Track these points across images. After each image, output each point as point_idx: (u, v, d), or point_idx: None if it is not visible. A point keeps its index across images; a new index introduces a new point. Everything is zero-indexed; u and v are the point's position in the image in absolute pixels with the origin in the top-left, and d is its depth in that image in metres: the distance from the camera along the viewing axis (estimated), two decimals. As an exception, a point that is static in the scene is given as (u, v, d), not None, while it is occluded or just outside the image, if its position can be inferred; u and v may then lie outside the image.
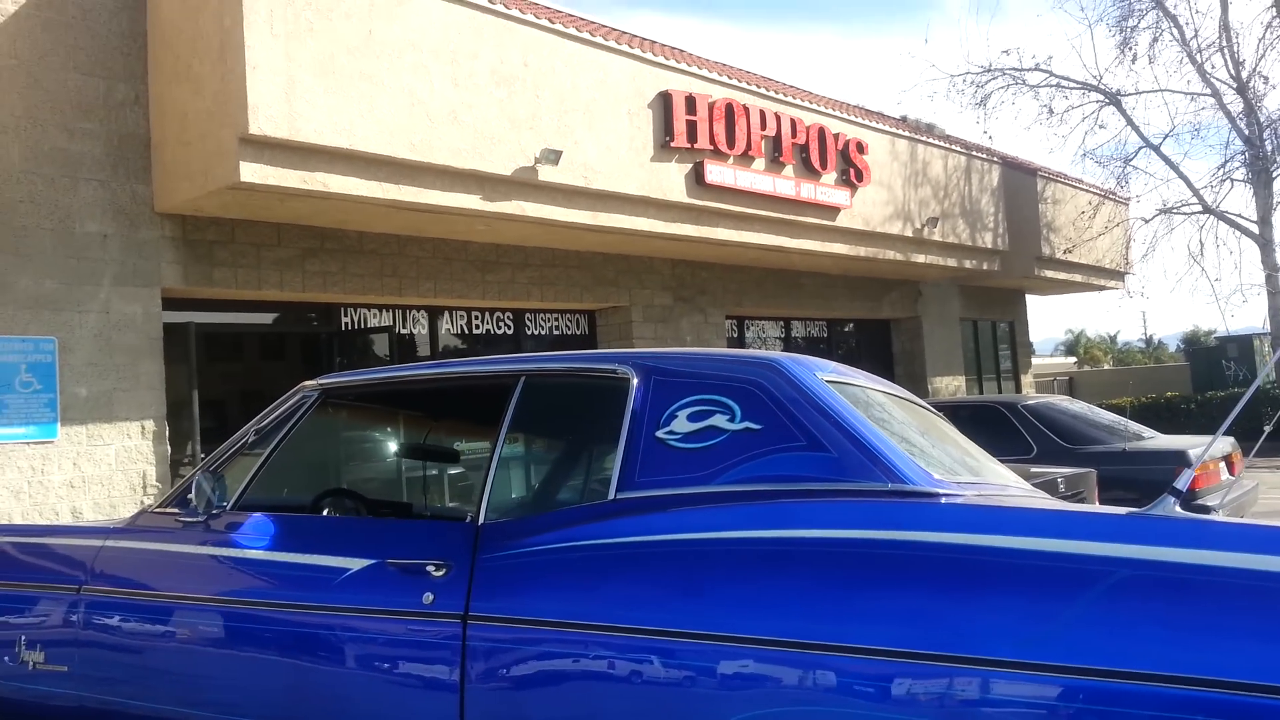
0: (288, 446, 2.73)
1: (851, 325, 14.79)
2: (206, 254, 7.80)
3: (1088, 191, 16.64)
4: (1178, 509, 1.83)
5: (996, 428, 7.50)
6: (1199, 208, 16.43)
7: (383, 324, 9.23)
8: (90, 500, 7.18)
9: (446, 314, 9.82)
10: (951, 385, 15.31)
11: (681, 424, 2.22)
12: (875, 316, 14.66)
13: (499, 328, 10.33)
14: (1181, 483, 1.90)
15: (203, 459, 2.83)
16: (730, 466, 2.13)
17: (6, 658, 2.73)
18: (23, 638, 2.72)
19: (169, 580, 2.62)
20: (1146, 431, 8.00)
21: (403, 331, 9.44)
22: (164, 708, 2.50)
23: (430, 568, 2.23)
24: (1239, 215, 16.37)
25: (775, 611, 1.85)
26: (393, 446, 4.21)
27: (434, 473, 4.00)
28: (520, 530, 2.23)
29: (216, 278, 7.83)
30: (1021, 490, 2.56)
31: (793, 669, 1.80)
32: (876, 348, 15.10)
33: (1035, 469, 5.39)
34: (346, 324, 9.05)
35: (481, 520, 2.29)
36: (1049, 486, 4.71)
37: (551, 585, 2.11)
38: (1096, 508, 2.08)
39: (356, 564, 2.33)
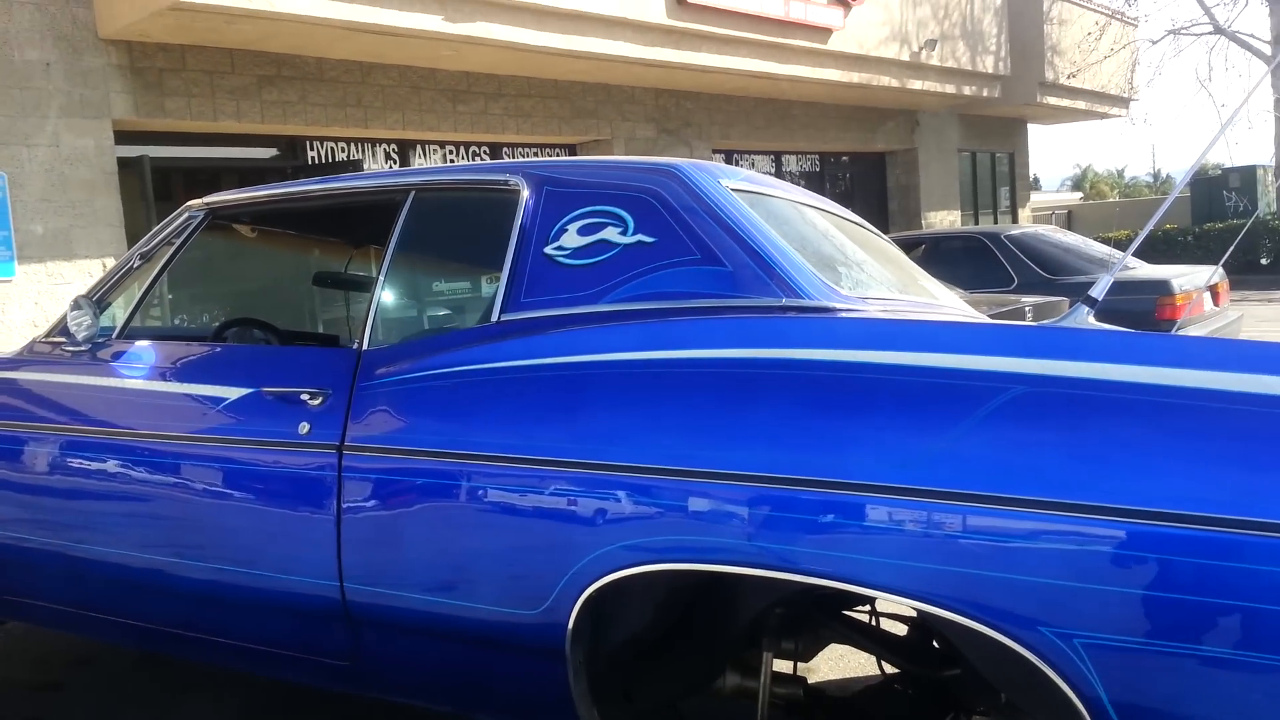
0: (176, 271, 2.59)
1: (846, 158, 14.35)
2: (156, 82, 7.44)
3: (1095, 11, 15.85)
4: (1091, 320, 1.67)
5: (978, 259, 7.31)
6: (1209, 28, 15.66)
7: (351, 158, 8.90)
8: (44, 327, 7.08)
9: (418, 148, 9.46)
10: (948, 220, 14.99)
11: (571, 238, 2.05)
12: (870, 149, 14.22)
13: (475, 162, 9.99)
14: (1097, 291, 1.73)
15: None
16: (620, 283, 1.98)
17: None
18: None
19: (52, 412, 2.52)
20: (1136, 263, 7.78)
21: (373, 166, 9.12)
22: (50, 542, 2.45)
23: (305, 396, 2.12)
24: (1251, 35, 15.62)
25: (652, 438, 1.74)
26: (286, 270, 4.04)
27: (340, 302, 3.85)
28: (401, 356, 2.10)
29: (169, 108, 7.49)
30: (951, 311, 2.39)
31: (668, 497, 1.69)
32: (871, 182, 14.71)
33: (1005, 298, 5.22)
34: (313, 158, 8.73)
35: (365, 346, 2.15)
36: (1015, 315, 4.55)
37: (428, 413, 1.99)
38: (1005, 323, 1.92)
39: (234, 393, 2.22)
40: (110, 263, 7.26)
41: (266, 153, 8.59)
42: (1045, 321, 1.71)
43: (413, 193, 2.30)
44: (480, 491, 1.87)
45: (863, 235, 2.64)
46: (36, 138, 6.92)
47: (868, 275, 2.27)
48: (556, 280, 2.02)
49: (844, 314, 1.84)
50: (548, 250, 2.06)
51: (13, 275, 6.90)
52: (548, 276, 2.03)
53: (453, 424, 1.94)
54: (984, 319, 2.33)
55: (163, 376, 2.39)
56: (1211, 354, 1.49)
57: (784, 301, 1.85)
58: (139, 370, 2.43)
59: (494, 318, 2.04)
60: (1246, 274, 15.47)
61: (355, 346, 2.18)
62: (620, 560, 1.72)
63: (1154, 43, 16.42)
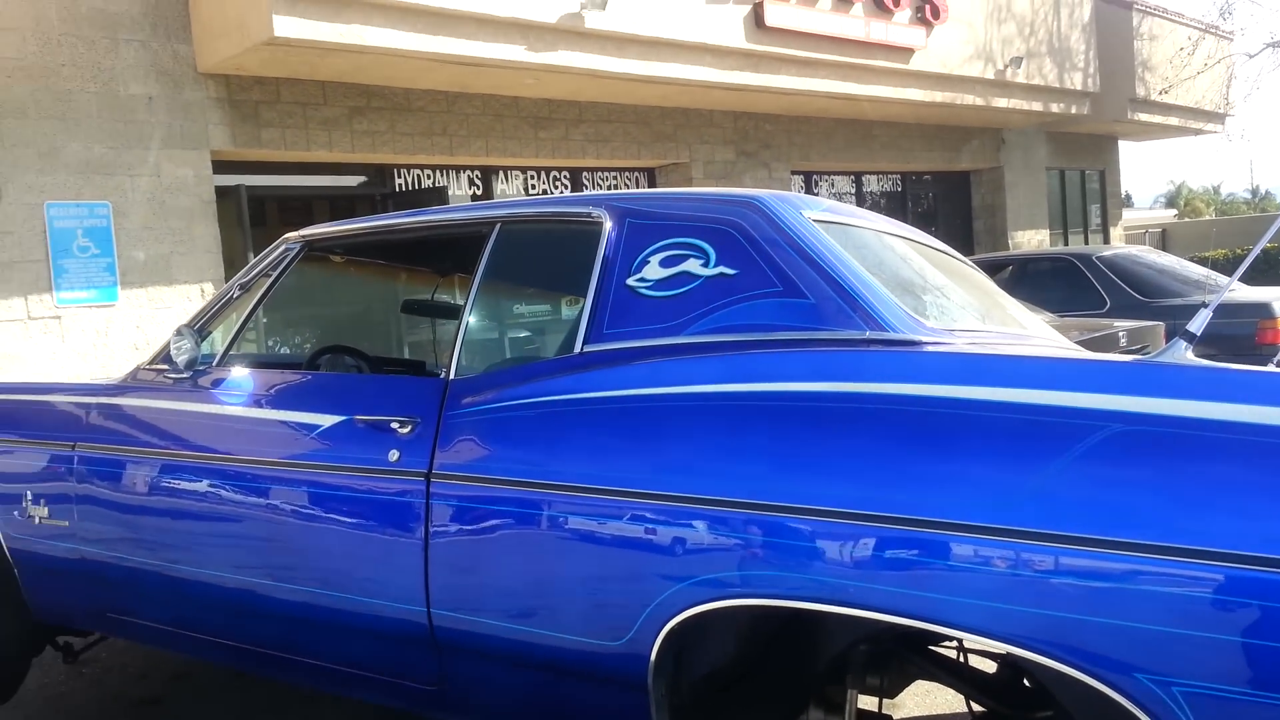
0: (273, 300, 2.68)
1: (929, 177, 14.15)
2: (253, 114, 7.71)
3: (1187, 26, 15.40)
4: (1189, 355, 1.62)
5: (1069, 281, 7.14)
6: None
7: (437, 184, 9.10)
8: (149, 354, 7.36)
9: (500, 174, 9.63)
10: (1035, 240, 14.66)
11: (653, 270, 2.06)
12: (954, 168, 14.00)
13: (555, 188, 10.12)
14: (1196, 326, 1.67)
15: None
16: (702, 315, 1.98)
17: (16, 512, 2.78)
18: (28, 493, 2.75)
19: (153, 437, 2.62)
20: (1235, 285, 7.50)
21: (457, 192, 9.31)
22: (148, 562, 2.53)
23: (395, 424, 2.17)
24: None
25: (735, 471, 1.73)
26: (381, 299, 4.13)
27: (434, 328, 3.92)
28: (487, 385, 2.13)
29: (264, 138, 7.76)
30: (1041, 341, 2.34)
31: (750, 532, 1.68)
32: (955, 201, 14.48)
33: (1098, 323, 5.08)
34: (400, 185, 8.95)
35: (452, 375, 2.20)
36: (1108, 340, 4.43)
37: (513, 442, 2.02)
38: (1098, 356, 1.87)
39: (327, 420, 2.28)
40: (208, 288, 7.53)
41: (356, 180, 8.83)
42: (1142, 357, 1.66)
43: (499, 225, 2.34)
44: (563, 521, 1.88)
45: (948, 263, 2.60)
46: (139, 169, 7.22)
47: (953, 305, 2.24)
48: (639, 311, 2.03)
49: (929, 347, 1.81)
50: (630, 282, 2.07)
51: (116, 300, 7.19)
52: (630, 308, 2.04)
53: (537, 453, 1.96)
54: (1076, 352, 2.27)
55: (259, 403, 2.46)
56: None
57: (868, 334, 1.83)
58: (237, 397, 2.51)
59: (577, 348, 2.06)
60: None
61: (443, 376, 2.22)
62: (702, 594, 1.72)
63: (1251, 56, 15.82)
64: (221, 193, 7.66)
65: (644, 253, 2.09)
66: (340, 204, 8.77)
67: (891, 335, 1.82)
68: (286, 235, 2.75)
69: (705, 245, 2.03)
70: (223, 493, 2.40)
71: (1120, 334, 4.66)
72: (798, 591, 1.64)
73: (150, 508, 2.54)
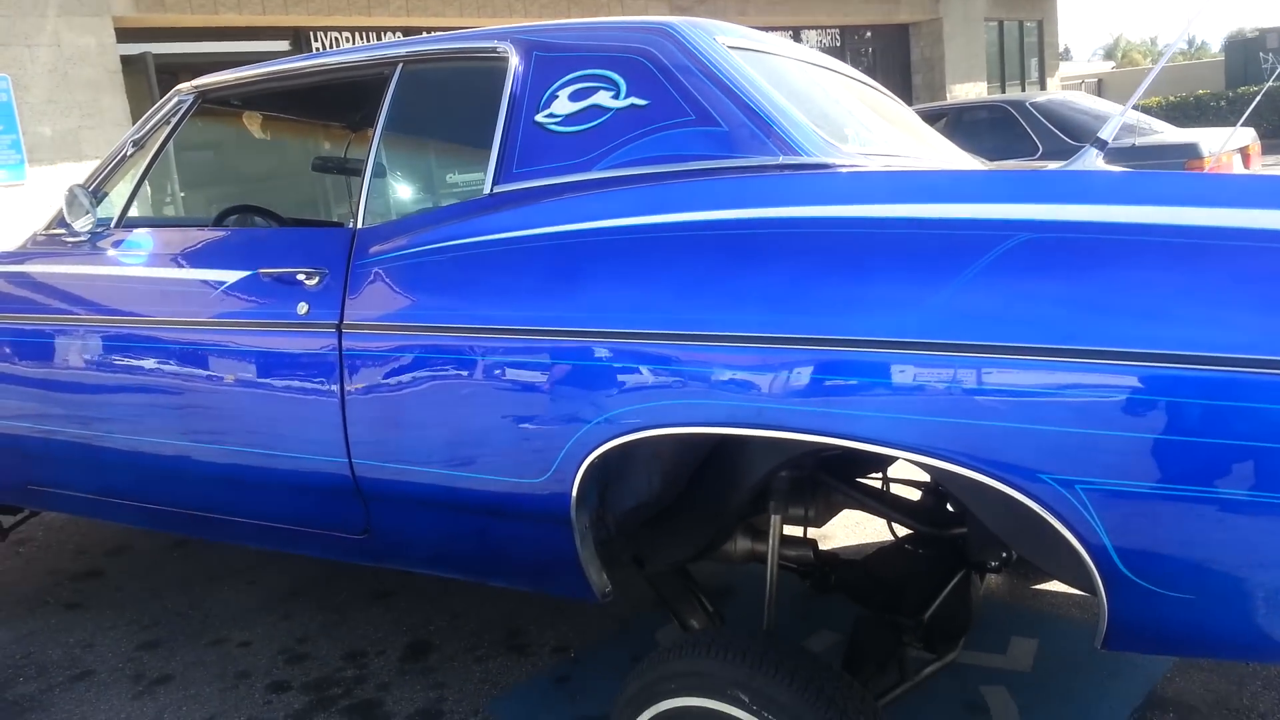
0: (168, 156, 2.54)
1: (869, 32, 13.88)
2: (155, -24, 7.28)
3: None
4: (1100, 162, 1.59)
5: (1003, 129, 7.10)
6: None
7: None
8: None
9: (422, 35, 9.23)
10: (973, 93, 14.54)
11: (562, 105, 1.97)
12: (893, 21, 13.73)
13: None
14: (1107, 133, 1.65)
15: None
16: (613, 149, 1.90)
17: None
18: None
19: (55, 302, 2.52)
20: (1160, 126, 7.54)
21: (379, 55, 8.93)
22: (61, 431, 2.47)
23: (302, 276, 2.09)
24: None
25: (650, 302, 1.69)
26: (282, 151, 3.96)
27: (337, 180, 3.78)
28: (395, 232, 2.06)
29: (169, 2, 7.34)
30: (958, 163, 2.31)
31: (665, 363, 1.66)
32: (893, 55, 14.26)
33: (1030, 165, 5.07)
34: (318, 49, 8.55)
35: (359, 225, 2.12)
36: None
37: (424, 289, 1.96)
38: (1008, 167, 1.84)
39: (232, 276, 2.20)
40: (122, 164, 7.22)
41: (271, 46, 8.42)
42: (1052, 165, 1.63)
43: (400, 64, 2.22)
44: (478, 364, 1.85)
45: (873, 97, 2.53)
46: (37, 38, 6.81)
47: (870, 132, 2.19)
48: (548, 149, 1.96)
49: (842, 169, 1.77)
50: (539, 118, 1.99)
51: (24, 178, 6.88)
52: (540, 145, 1.97)
53: (448, 298, 1.92)
54: (988, 165, 2.25)
55: (163, 263, 2.37)
56: (1223, 191, 1.42)
57: (781, 159, 1.78)
58: (140, 258, 2.41)
59: (486, 190, 1.99)
60: (1279, 138, 14.99)
61: (350, 226, 2.15)
62: (621, 426, 1.70)
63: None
64: (127, 62, 7.28)
65: (552, 87, 2.00)
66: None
67: (804, 159, 1.78)
68: (178, 86, 2.59)
69: (616, 76, 1.95)
70: (131, 357, 2.32)
71: (1051, 175, 4.65)
72: (715, 418, 1.63)
73: (58, 377, 2.46)
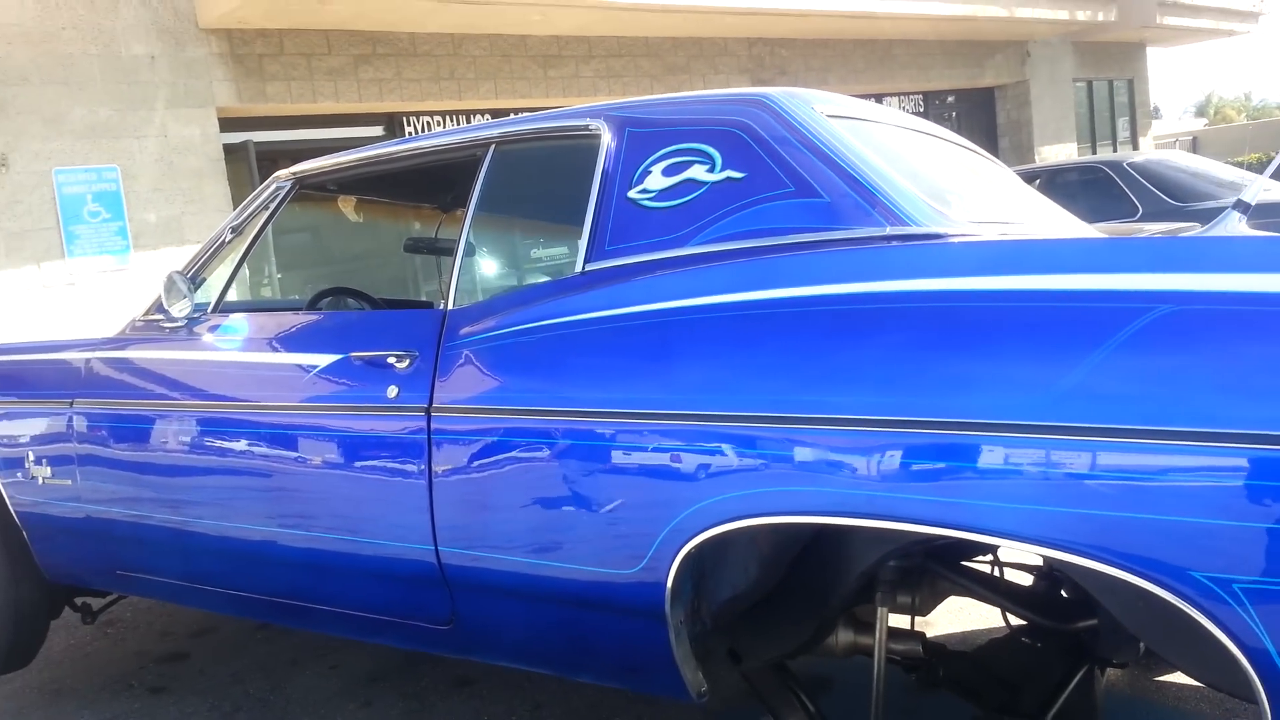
0: (267, 241, 2.58)
1: (952, 96, 13.77)
2: (257, 68, 7.59)
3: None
4: (1243, 226, 1.47)
5: (1099, 190, 6.90)
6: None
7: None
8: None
9: (511, 116, 9.44)
10: (1063, 155, 14.27)
11: (656, 180, 1.93)
12: (977, 84, 13.62)
13: (569, 126, 9.92)
14: (1250, 195, 1.52)
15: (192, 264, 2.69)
16: (709, 223, 1.85)
17: (20, 474, 2.73)
18: (30, 453, 2.70)
19: (151, 388, 2.55)
20: (1273, 184, 7.24)
21: (468, 136, 9.15)
22: (152, 516, 2.48)
23: (392, 359, 2.08)
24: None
25: (750, 384, 1.61)
26: (379, 234, 4.01)
27: (431, 261, 3.82)
28: (485, 313, 2.03)
29: (270, 93, 7.64)
30: (1072, 229, 2.20)
31: (769, 448, 1.57)
32: (979, 118, 14.10)
33: (1132, 227, 4.89)
34: (410, 133, 8.80)
35: (450, 305, 2.10)
36: (1142, 244, 4.23)
37: (515, 370, 1.92)
38: (1141, 234, 1.73)
39: (324, 360, 2.20)
40: (223, 247, 7.46)
41: (365, 130, 8.70)
42: (1191, 232, 1.52)
43: (493, 146, 2.23)
44: (569, 448, 1.80)
45: (975, 161, 2.45)
46: (145, 130, 7.14)
47: (977, 198, 2.10)
48: (642, 225, 1.91)
49: (954, 239, 1.68)
50: (631, 194, 1.95)
51: (128, 263, 7.16)
52: (632, 222, 1.93)
53: (540, 380, 1.87)
54: (1115, 233, 2.13)
55: (256, 347, 2.40)
56: None
57: (889, 230, 1.70)
58: (234, 343, 2.44)
59: (578, 268, 1.95)
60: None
61: (440, 306, 2.13)
62: (719, 514, 1.62)
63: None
64: (229, 150, 7.57)
65: (645, 162, 1.96)
66: (351, 155, 8.65)
67: (913, 229, 1.69)
68: (277, 173, 2.65)
69: (710, 149, 1.90)
70: (222, 441, 2.33)
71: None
72: (823, 507, 1.54)
73: (150, 460, 2.48)
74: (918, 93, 13.12)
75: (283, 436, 2.22)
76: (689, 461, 1.65)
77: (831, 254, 1.68)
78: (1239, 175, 7.29)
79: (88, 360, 2.67)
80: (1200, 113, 42.70)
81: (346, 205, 3.06)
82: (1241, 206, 1.50)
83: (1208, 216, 6.33)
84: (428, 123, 8.94)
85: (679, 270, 1.81)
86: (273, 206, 2.58)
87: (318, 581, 2.26)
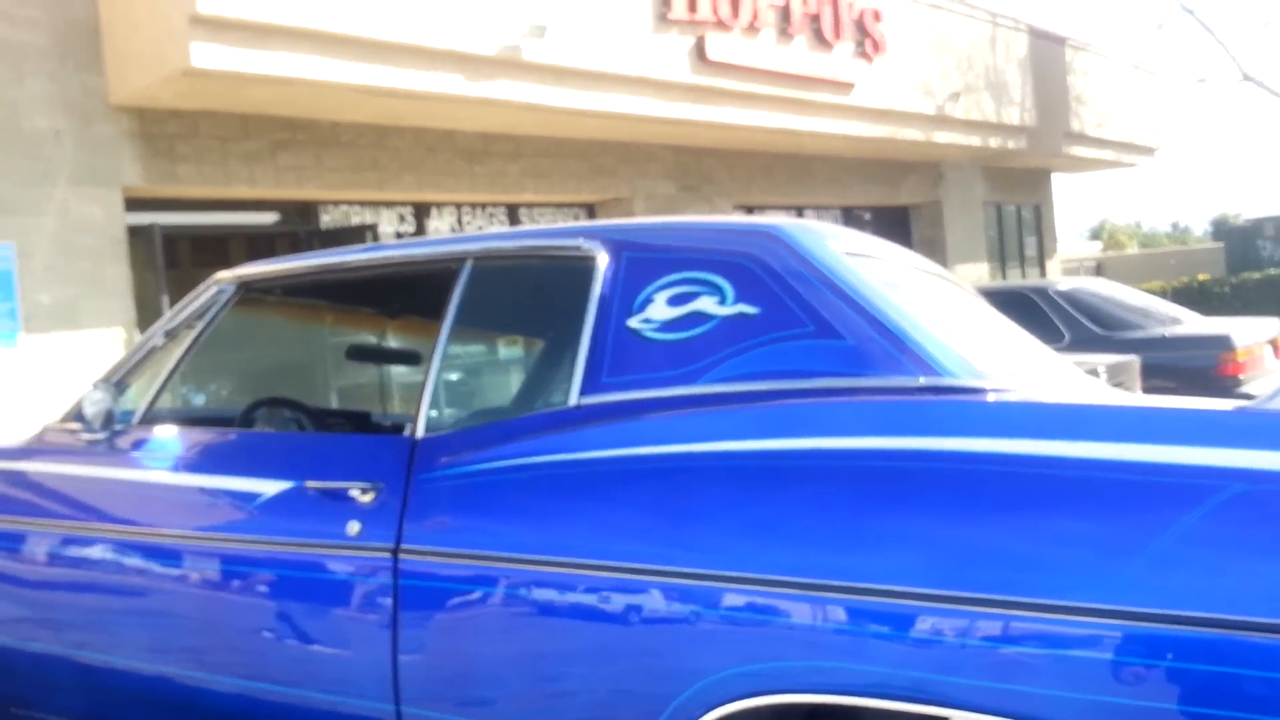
0: (202, 350, 2.33)
1: (869, 214, 14.11)
2: (168, 149, 7.25)
3: (1119, 62, 15.72)
4: None
5: (1026, 315, 6.97)
6: (1238, 76, 15.51)
7: (366, 222, 8.69)
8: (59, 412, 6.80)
9: (434, 210, 9.26)
10: (975, 274, 14.69)
11: (659, 309, 1.78)
12: (893, 203, 14.00)
13: (492, 224, 9.77)
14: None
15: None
16: (720, 360, 1.70)
17: None
18: None
19: (64, 506, 2.28)
20: (1183, 315, 7.46)
21: (387, 229, 8.90)
22: (58, 649, 2.19)
23: (355, 491, 1.86)
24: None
25: (780, 542, 1.44)
26: (329, 346, 3.76)
27: (386, 380, 3.58)
28: (464, 445, 1.83)
29: (181, 175, 7.30)
30: (1082, 383, 2.08)
31: (801, 614, 1.40)
32: (895, 236, 14.38)
33: (1073, 358, 4.88)
34: (327, 222, 8.53)
35: (420, 434, 1.87)
36: (1089, 375, 4.20)
37: (500, 511, 1.72)
38: (1188, 402, 1.64)
39: (272, 487, 1.97)
40: (118, 333, 7.01)
41: (279, 218, 8.39)
42: (1252, 404, 1.42)
43: (470, 261, 2.03)
44: (558, 604, 1.60)
45: (961, 295, 2.34)
46: (45, 207, 6.72)
47: (992, 346, 1.97)
48: (645, 357, 1.76)
49: (992, 395, 1.53)
50: (632, 323, 1.78)
51: (16, 345, 6.64)
52: (634, 353, 1.76)
53: (527, 524, 1.68)
54: (1167, 400, 2.02)
55: (190, 468, 2.16)
56: None
57: (922, 380, 1.57)
58: (163, 461, 2.19)
59: (572, 401, 1.78)
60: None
61: (408, 433, 1.90)
62: (737, 689, 1.43)
63: (1180, 92, 16.23)
64: (134, 232, 7.18)
65: (646, 290, 1.81)
66: (260, 243, 8.29)
67: (949, 381, 1.55)
68: (217, 275, 2.40)
69: (719, 280, 1.76)
70: (147, 571, 2.07)
71: (1100, 369, 4.45)
72: (854, 685, 1.37)
73: (61, 587, 2.20)
74: (837, 207, 13.40)
75: (218, 570, 1.98)
76: (703, 627, 1.47)
77: (868, 404, 1.53)
78: (1149, 303, 7.51)
79: None
80: (1094, 236, 45.18)
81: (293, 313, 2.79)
82: None
83: (1132, 346, 6.41)
84: (345, 212, 8.68)
85: (692, 411, 1.64)
86: (212, 311, 2.33)
87: None
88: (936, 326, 1.72)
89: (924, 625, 1.31)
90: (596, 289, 1.84)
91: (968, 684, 1.29)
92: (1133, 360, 4.88)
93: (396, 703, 1.76)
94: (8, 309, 6.62)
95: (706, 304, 1.74)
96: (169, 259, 7.49)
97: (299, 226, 8.42)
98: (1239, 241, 18.96)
